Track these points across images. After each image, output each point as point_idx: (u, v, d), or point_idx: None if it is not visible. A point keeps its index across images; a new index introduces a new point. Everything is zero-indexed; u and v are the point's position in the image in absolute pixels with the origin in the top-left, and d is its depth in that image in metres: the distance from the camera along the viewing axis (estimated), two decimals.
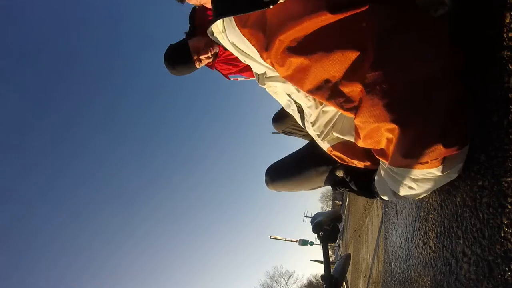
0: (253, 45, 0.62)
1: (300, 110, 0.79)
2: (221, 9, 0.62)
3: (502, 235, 0.50)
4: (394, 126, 0.53)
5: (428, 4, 0.62)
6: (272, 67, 0.63)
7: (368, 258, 3.01)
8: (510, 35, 0.49)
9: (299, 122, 0.83)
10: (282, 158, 1.21)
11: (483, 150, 0.55)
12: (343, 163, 0.86)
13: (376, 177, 0.76)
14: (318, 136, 0.78)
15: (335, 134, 0.75)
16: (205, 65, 1.58)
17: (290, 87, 0.70)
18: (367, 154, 0.78)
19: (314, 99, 0.70)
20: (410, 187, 0.63)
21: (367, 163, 0.80)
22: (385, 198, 0.76)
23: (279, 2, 0.54)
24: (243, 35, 0.62)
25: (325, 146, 0.82)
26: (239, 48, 0.68)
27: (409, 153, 0.55)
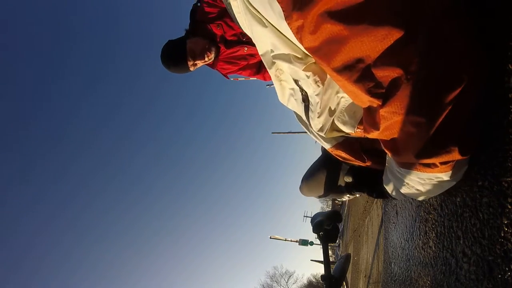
0: (279, 3, 0.53)
1: (305, 99, 0.72)
2: None
3: (502, 235, 0.50)
4: (423, 120, 0.49)
5: None
6: (295, 35, 0.54)
7: (368, 258, 3.01)
8: (510, 35, 0.49)
9: (302, 114, 0.78)
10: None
11: (483, 150, 0.55)
12: (346, 162, 0.85)
13: (384, 178, 0.76)
14: (321, 129, 0.73)
15: (337, 123, 0.70)
16: (206, 64, 1.58)
17: (299, 72, 0.63)
18: (367, 153, 0.77)
19: (323, 85, 0.64)
20: (418, 190, 0.62)
21: (368, 163, 0.79)
22: (396, 198, 0.75)
23: None
24: None
25: (327, 145, 0.82)
26: (252, 7, 0.59)
27: (424, 151, 0.52)
